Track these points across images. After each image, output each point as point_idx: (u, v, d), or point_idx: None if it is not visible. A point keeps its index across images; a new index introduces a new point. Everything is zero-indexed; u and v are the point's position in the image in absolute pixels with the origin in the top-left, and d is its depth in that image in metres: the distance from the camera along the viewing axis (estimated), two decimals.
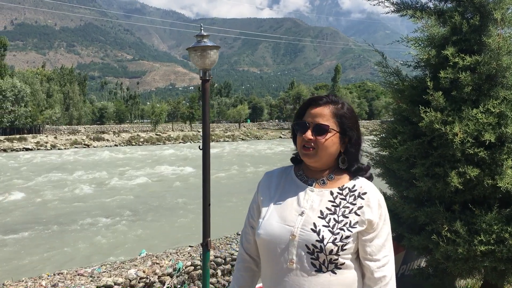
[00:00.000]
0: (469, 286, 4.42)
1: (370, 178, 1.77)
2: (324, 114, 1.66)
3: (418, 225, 3.44)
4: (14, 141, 53.52)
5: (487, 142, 3.07)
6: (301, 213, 1.63)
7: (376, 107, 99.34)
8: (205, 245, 2.86)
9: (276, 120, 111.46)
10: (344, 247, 1.57)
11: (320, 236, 1.56)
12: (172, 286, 9.87)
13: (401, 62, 3.72)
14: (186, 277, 10.18)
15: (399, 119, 3.60)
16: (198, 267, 10.38)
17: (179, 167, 32.80)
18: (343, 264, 1.58)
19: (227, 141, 70.93)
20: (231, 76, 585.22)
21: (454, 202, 3.27)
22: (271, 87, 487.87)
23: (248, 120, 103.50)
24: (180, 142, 66.34)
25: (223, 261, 10.60)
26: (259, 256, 1.79)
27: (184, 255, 10.82)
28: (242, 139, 74.51)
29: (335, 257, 1.56)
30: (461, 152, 3.11)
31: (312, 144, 1.64)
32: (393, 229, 3.85)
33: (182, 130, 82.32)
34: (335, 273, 1.57)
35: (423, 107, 3.22)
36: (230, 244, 11.46)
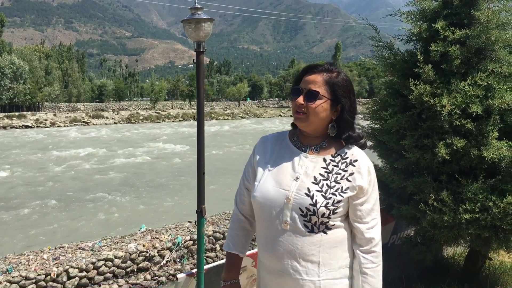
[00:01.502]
0: (456, 255, 4.57)
1: (363, 146, 1.85)
2: (317, 81, 1.72)
3: (406, 195, 3.56)
4: (13, 118, 53.48)
5: (474, 114, 3.15)
6: (296, 178, 1.72)
7: (376, 86, 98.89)
8: (200, 212, 2.98)
9: (276, 99, 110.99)
10: (336, 211, 1.67)
11: (314, 200, 1.66)
12: (172, 259, 10.08)
13: (393, 36, 3.77)
14: (185, 251, 10.39)
15: (391, 92, 3.68)
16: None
17: (178, 144, 32.89)
18: (333, 225, 1.69)
19: (227, 119, 70.83)
20: (231, 53, 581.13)
21: (441, 173, 3.38)
22: (271, 65, 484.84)
23: (248, 98, 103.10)
24: (179, 120, 66.27)
25: (222, 236, 10.80)
26: (253, 216, 1.90)
27: (183, 230, 11.01)
28: (242, 117, 74.37)
29: (327, 219, 1.66)
30: (449, 123, 3.20)
31: (303, 109, 1.71)
32: (383, 200, 3.98)
33: (182, 108, 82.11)
34: (326, 233, 1.68)
35: (413, 80, 3.29)
36: (228, 220, 11.64)
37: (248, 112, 79.15)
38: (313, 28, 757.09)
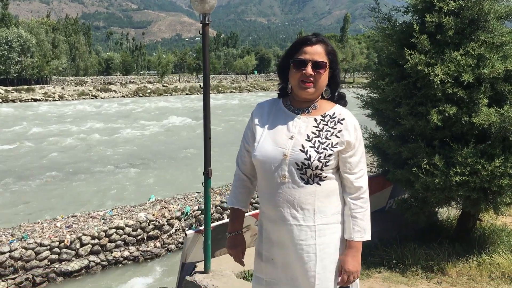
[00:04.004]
0: (450, 218, 4.80)
1: (345, 104, 2.10)
2: (320, 52, 1.94)
3: (402, 160, 3.77)
4: (22, 92, 53.71)
5: (466, 82, 3.32)
6: (291, 137, 1.94)
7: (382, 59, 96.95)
8: (206, 174, 3.21)
9: None
10: (327, 164, 1.90)
11: (308, 155, 1.89)
12: (180, 228, 10.39)
13: (392, 8, 3.90)
14: (194, 221, 10.70)
15: (388, 62, 3.84)
16: None
17: (186, 118, 33.07)
18: (325, 177, 1.92)
19: (234, 92, 70.67)
20: (238, 26, 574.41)
21: (434, 139, 3.58)
22: (279, 37, 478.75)
23: (255, 71, 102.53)
24: (187, 94, 66.23)
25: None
26: (253, 175, 2.16)
27: (191, 200, 11.31)
28: (249, 91, 74.16)
29: (320, 171, 1.89)
30: (442, 91, 3.38)
31: (311, 78, 1.92)
32: (381, 165, 4.19)
33: (189, 82, 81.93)
34: (320, 184, 1.92)
35: (408, 50, 3.45)
36: None
37: (256, 86, 78.84)
38: None
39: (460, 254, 3.91)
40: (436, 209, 4.59)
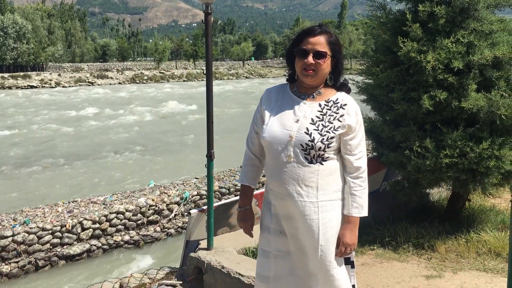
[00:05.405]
0: (441, 199, 5.00)
1: (349, 91, 2.27)
2: (321, 43, 2.10)
3: (395, 143, 3.97)
4: (18, 78, 53.42)
5: (456, 68, 3.49)
6: (297, 120, 2.12)
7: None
8: (209, 156, 3.37)
9: (281, 58, 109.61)
10: (329, 145, 2.08)
11: (312, 137, 2.07)
12: (180, 213, 10.58)
13: None
14: (193, 206, 10.88)
15: (382, 49, 4.01)
16: (204, 196, 11.02)
17: (183, 104, 33.08)
18: (328, 157, 2.11)
19: (231, 79, 70.48)
20: (235, 12, 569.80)
21: (426, 123, 3.78)
22: (276, 23, 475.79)
23: (252, 58, 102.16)
24: (184, 80, 66.01)
25: (227, 191, 11.28)
26: (261, 155, 2.34)
27: (190, 186, 11.48)
28: (246, 77, 73.95)
29: (322, 152, 2.08)
30: (433, 77, 3.56)
31: (312, 67, 2.10)
32: (375, 149, 4.37)
33: (186, 68, 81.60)
34: (322, 164, 2.10)
35: (402, 38, 3.62)
36: (233, 176, 12.09)
37: (253, 72, 78.62)
38: None
39: (449, 232, 4.12)
40: (428, 191, 4.79)
